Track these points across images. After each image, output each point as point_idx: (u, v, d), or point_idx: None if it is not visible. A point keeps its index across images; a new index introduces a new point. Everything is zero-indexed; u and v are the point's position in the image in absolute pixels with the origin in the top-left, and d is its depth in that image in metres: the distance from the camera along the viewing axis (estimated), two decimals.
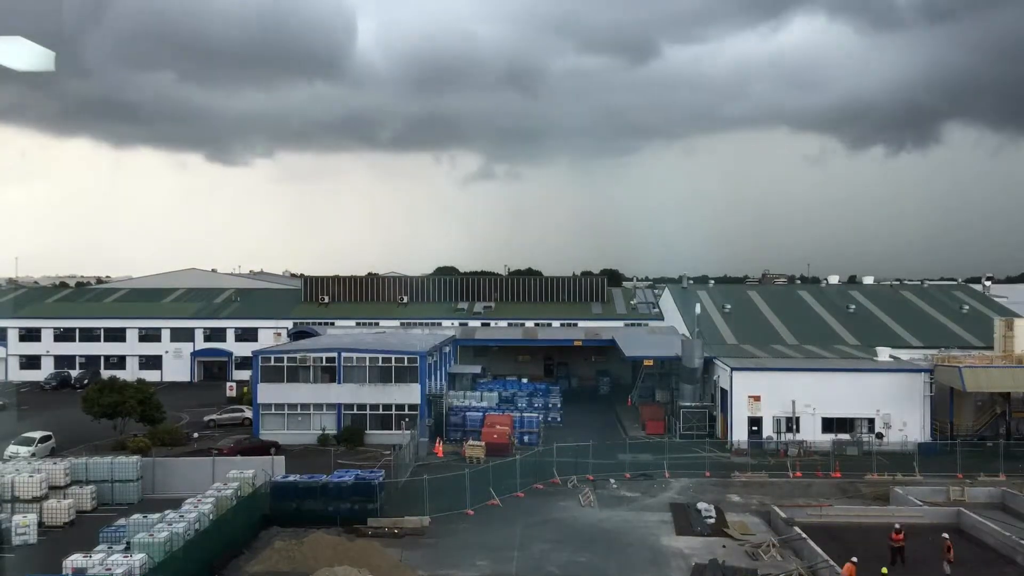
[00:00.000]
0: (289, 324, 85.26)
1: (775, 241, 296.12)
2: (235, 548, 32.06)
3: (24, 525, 33.50)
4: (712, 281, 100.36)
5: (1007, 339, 57.05)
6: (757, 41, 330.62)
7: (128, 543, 27.78)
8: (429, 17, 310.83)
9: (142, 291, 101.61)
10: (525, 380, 70.65)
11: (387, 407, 54.10)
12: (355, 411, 54.13)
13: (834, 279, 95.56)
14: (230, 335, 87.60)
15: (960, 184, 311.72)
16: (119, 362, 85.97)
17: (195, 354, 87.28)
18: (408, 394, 54.08)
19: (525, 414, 56.01)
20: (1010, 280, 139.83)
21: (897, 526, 32.62)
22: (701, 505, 38.70)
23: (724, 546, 33.62)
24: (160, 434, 51.51)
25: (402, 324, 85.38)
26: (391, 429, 53.16)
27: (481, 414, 55.00)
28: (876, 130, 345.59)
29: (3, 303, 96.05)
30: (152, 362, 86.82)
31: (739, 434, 52.91)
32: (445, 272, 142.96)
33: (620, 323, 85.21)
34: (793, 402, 52.80)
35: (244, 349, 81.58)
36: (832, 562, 29.28)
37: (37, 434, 49.77)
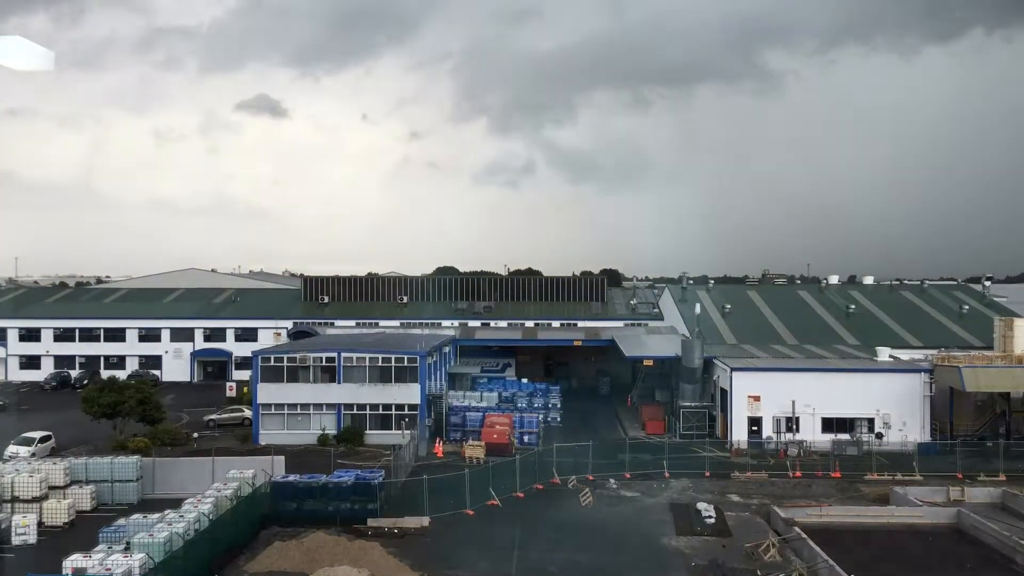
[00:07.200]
0: (289, 324, 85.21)
1: (775, 241, 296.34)
2: (235, 548, 32.03)
3: (24, 525, 33.52)
4: (712, 281, 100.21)
5: (1007, 339, 57.04)
6: None
7: (128, 543, 27.81)
8: None
9: (142, 291, 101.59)
10: (525, 380, 70.63)
11: (387, 407, 54.09)
12: (355, 411, 54.12)
13: (834, 279, 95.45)
14: (230, 335, 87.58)
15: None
16: (119, 362, 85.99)
17: (195, 354, 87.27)
18: (408, 394, 54.06)
19: (525, 414, 56.03)
20: (1010, 280, 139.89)
21: None
22: (701, 505, 38.68)
23: (724, 546, 33.62)
24: (160, 434, 51.50)
25: (402, 324, 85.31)
26: (391, 429, 53.16)
27: (481, 414, 55.01)
28: None
29: (3, 303, 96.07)
30: (152, 362, 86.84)
31: (739, 434, 52.92)
32: (445, 272, 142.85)
33: (620, 323, 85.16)
34: (793, 402, 52.80)
35: (244, 349, 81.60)
36: (832, 562, 29.26)
37: (37, 434, 49.83)
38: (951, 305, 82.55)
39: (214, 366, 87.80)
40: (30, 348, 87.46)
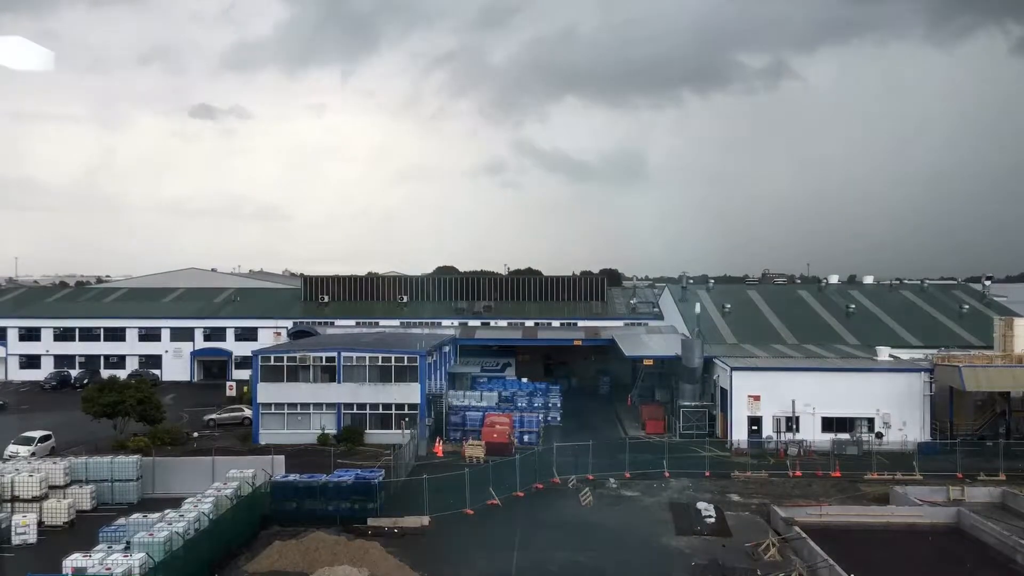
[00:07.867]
0: (289, 324, 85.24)
1: (775, 241, 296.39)
2: (235, 548, 32.05)
3: (24, 525, 33.55)
4: (712, 281, 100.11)
5: (1007, 339, 57.03)
6: None
7: (128, 543, 27.82)
8: None
9: (142, 291, 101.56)
10: (525, 380, 70.60)
11: (387, 407, 54.08)
12: (355, 411, 54.13)
13: (834, 279, 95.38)
14: (230, 335, 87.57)
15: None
16: (119, 362, 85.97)
17: (195, 354, 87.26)
18: (408, 394, 54.06)
19: (525, 414, 56.02)
20: (1010, 280, 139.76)
21: None
22: (701, 505, 38.70)
23: (724, 546, 33.62)
24: (160, 434, 51.51)
25: (402, 324, 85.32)
26: (391, 429, 53.16)
27: (481, 414, 55.01)
28: None
29: (3, 303, 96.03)
30: (152, 362, 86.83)
31: (739, 434, 52.91)
32: (445, 272, 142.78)
33: (620, 323, 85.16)
34: (793, 402, 52.79)
35: (244, 349, 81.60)
36: (832, 562, 29.26)
37: (37, 434, 49.83)
38: (951, 305, 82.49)
39: (215, 366, 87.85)
40: (30, 348, 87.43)
